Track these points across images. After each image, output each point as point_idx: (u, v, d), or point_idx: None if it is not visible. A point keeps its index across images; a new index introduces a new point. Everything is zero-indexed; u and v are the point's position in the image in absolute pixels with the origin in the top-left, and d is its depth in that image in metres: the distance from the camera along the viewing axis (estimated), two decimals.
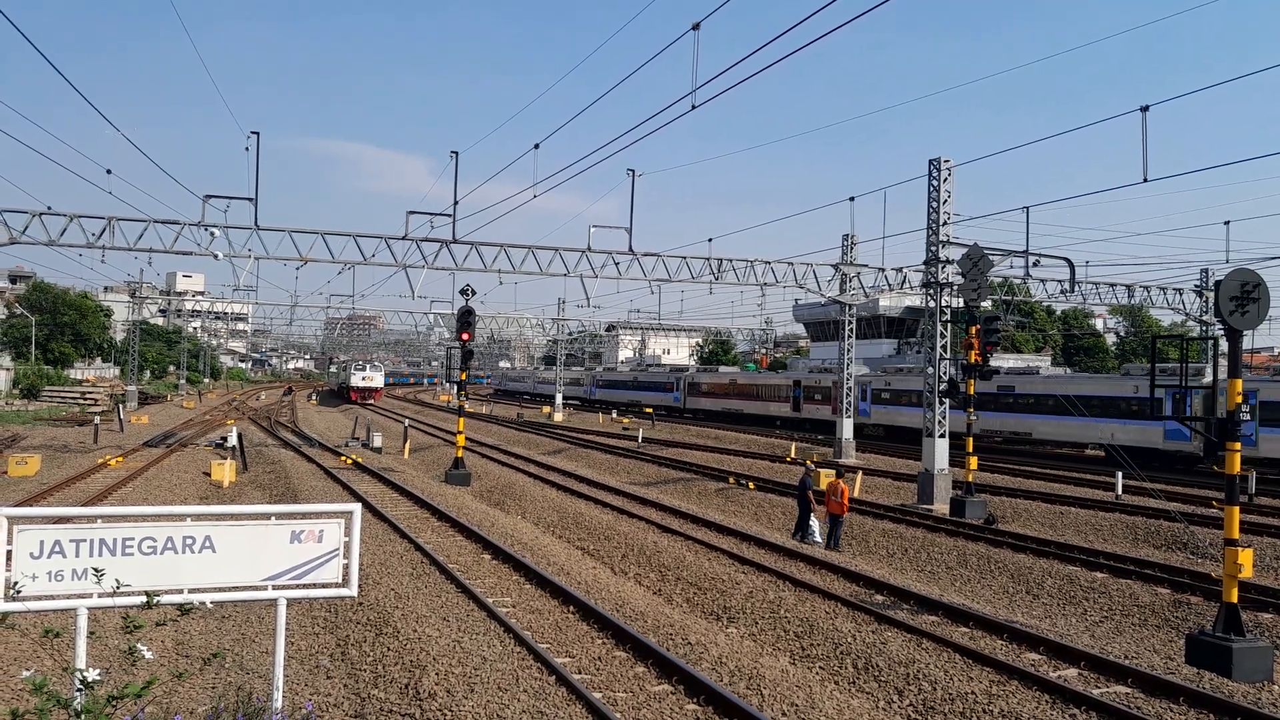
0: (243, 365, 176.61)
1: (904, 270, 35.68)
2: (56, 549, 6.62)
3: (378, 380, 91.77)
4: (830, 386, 49.36)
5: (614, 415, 69.49)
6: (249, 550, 7.18)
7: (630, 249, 32.23)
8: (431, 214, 31.14)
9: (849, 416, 37.75)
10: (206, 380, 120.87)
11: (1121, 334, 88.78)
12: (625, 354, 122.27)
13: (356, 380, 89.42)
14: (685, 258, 33.68)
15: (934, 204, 27.17)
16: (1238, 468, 11.81)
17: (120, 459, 32.57)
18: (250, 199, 28.78)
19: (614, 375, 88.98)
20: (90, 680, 5.36)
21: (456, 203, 31.20)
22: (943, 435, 26.50)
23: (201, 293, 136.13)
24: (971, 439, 24.62)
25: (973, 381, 24.29)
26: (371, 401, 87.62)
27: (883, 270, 35.79)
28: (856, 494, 27.41)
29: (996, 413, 40.17)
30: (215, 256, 30.19)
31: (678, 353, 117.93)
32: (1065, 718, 9.98)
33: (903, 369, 49.27)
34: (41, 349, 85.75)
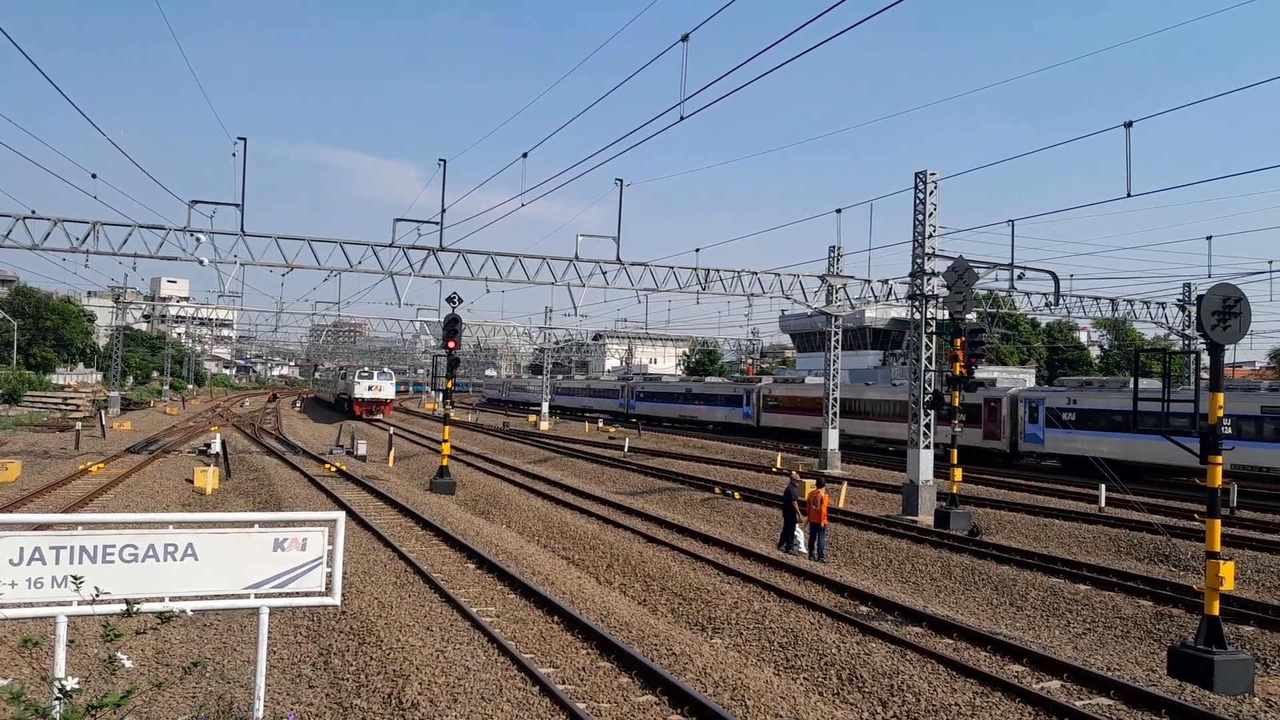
0: (227, 371, 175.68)
1: (890, 282, 35.83)
2: (36, 556, 6.56)
3: (388, 390, 75.48)
4: (1000, 401, 40.30)
5: (600, 424, 69.27)
6: (231, 558, 7.13)
7: (618, 258, 32.26)
8: (419, 221, 31.14)
9: (834, 427, 37.80)
10: (190, 386, 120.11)
11: (1105, 347, 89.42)
12: (612, 363, 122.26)
13: (362, 391, 73.62)
14: (673, 267, 33.75)
15: (920, 216, 27.32)
16: (1219, 481, 11.89)
17: (102, 465, 32.32)
18: (237, 205, 28.68)
19: (659, 386, 74.24)
20: (69, 689, 5.30)
21: (444, 210, 31.13)
22: (927, 447, 26.59)
23: (186, 298, 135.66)
24: (955, 451, 24.71)
25: (957, 394, 24.40)
26: (380, 417, 72.07)
27: (869, 282, 35.94)
28: (841, 505, 27.47)
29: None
30: (200, 262, 30.01)
31: (664, 362, 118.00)
32: None
33: (1093, 382, 40.77)
34: (23, 354, 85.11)
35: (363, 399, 73.51)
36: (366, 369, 78.87)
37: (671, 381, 74.97)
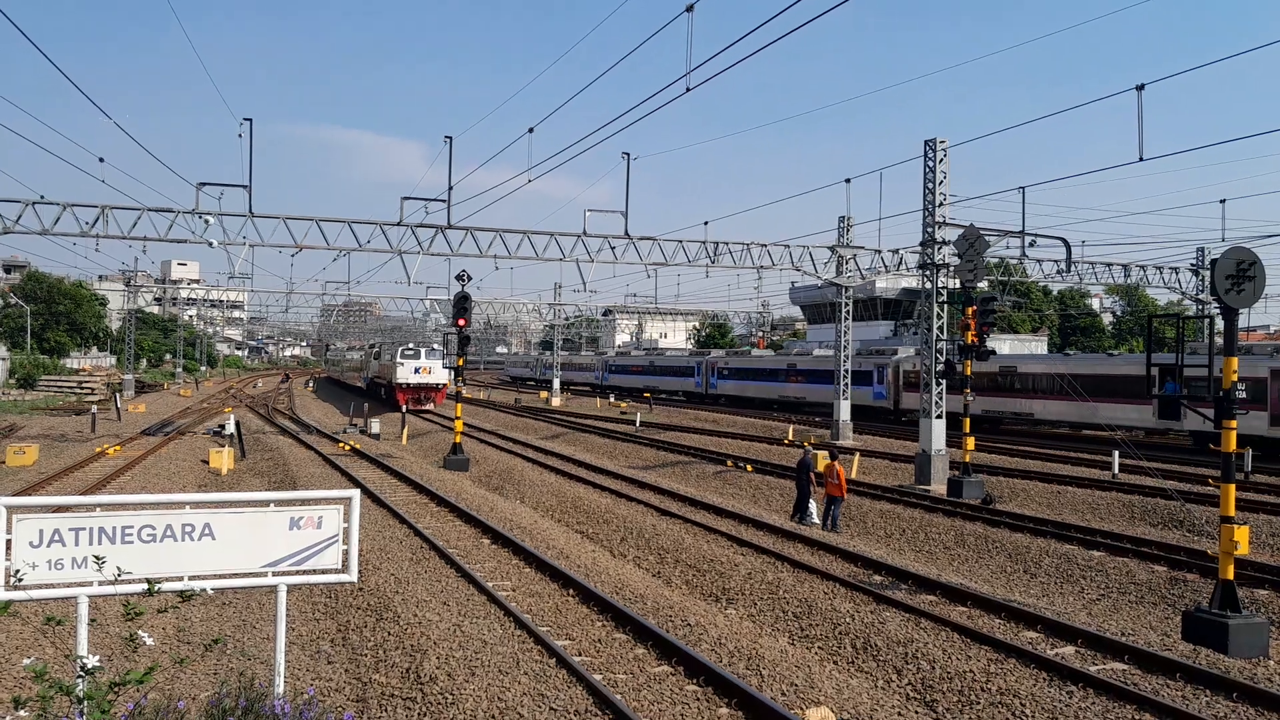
0: (239, 353, 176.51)
1: (900, 252, 35.64)
2: (56, 538, 6.64)
3: (438, 373, 56.42)
4: (1268, 376, 29.60)
5: (612, 399, 69.23)
6: (248, 537, 7.20)
7: (626, 233, 32.16)
8: (426, 199, 31.08)
9: (846, 398, 37.76)
10: (203, 368, 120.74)
11: (1118, 313, 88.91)
12: (622, 338, 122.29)
13: (406, 374, 55.11)
14: (681, 241, 33.63)
15: (930, 185, 27.13)
16: (1234, 445, 11.84)
17: (118, 448, 32.57)
18: (244, 186, 28.68)
19: (750, 361, 61.02)
20: (92, 667, 5.38)
21: (451, 188, 31.14)
22: (939, 416, 26.56)
23: (197, 281, 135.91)
24: (968, 420, 24.67)
25: (969, 362, 24.32)
26: (430, 408, 55.59)
27: (879, 252, 35.76)
28: (854, 475, 27.48)
29: None
30: (210, 244, 30.10)
31: (675, 337, 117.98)
32: (1063, 694, 10.05)
33: None
34: (37, 339, 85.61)
35: (407, 384, 55.13)
36: (410, 346, 59.13)
37: (766, 356, 61.56)
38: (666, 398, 68.10)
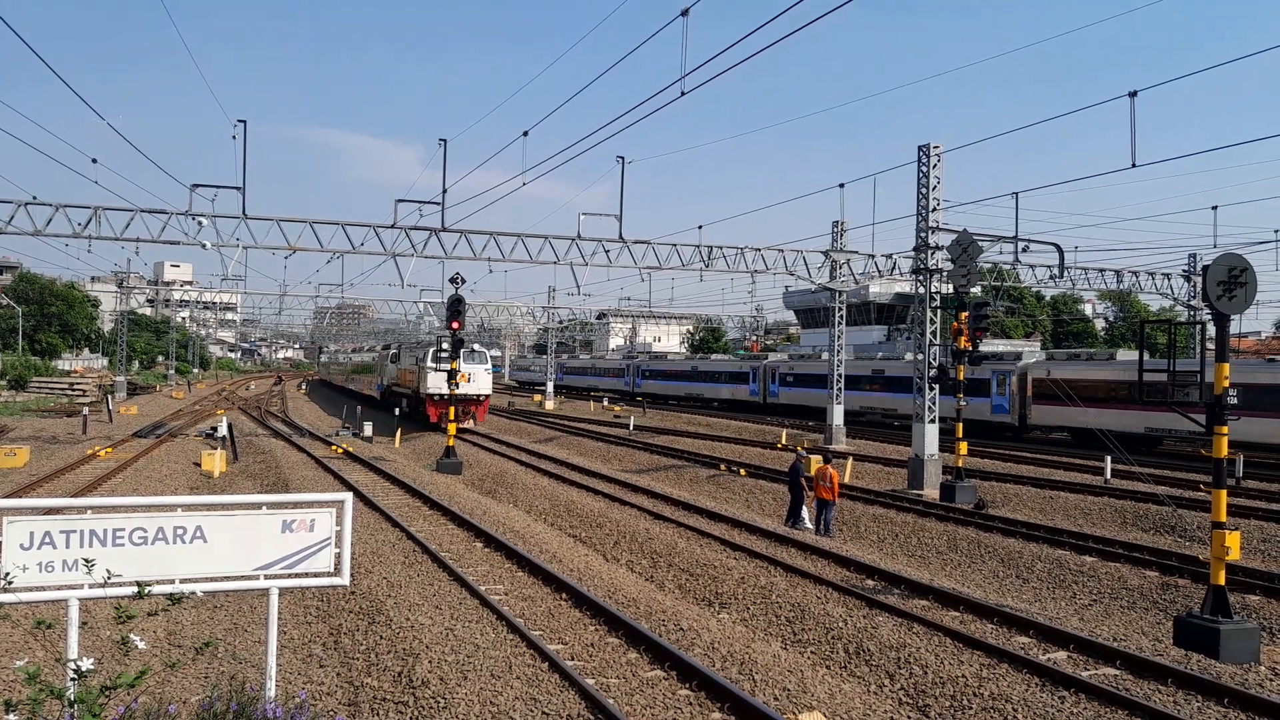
0: (232, 355, 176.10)
1: (894, 256, 35.74)
2: (47, 540, 6.60)
3: (481, 382, 44.11)
4: None
5: (605, 403, 69.03)
6: (240, 540, 7.17)
7: (620, 236, 32.16)
8: (420, 202, 31.08)
9: (839, 402, 37.78)
10: (195, 370, 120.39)
11: (1110, 319, 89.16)
12: (616, 341, 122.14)
13: (437, 382, 40.68)
14: (675, 245, 33.65)
15: (923, 190, 27.20)
16: (1225, 451, 11.88)
17: (109, 450, 32.45)
18: (238, 188, 28.63)
19: (810, 367, 52.66)
20: (83, 670, 5.35)
21: (445, 190, 31.03)
22: (932, 421, 26.61)
23: (189, 282, 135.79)
24: (960, 424, 24.70)
25: (962, 367, 24.36)
26: (469, 425, 44.19)
27: (873, 257, 35.84)
28: (847, 480, 27.51)
29: None
30: (203, 246, 30.00)
31: (668, 341, 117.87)
32: (1055, 699, 10.06)
33: None
34: (28, 340, 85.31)
35: (438, 395, 41.46)
36: (444, 347, 38.71)
37: (820, 363, 50.88)
38: (716, 408, 61.26)
